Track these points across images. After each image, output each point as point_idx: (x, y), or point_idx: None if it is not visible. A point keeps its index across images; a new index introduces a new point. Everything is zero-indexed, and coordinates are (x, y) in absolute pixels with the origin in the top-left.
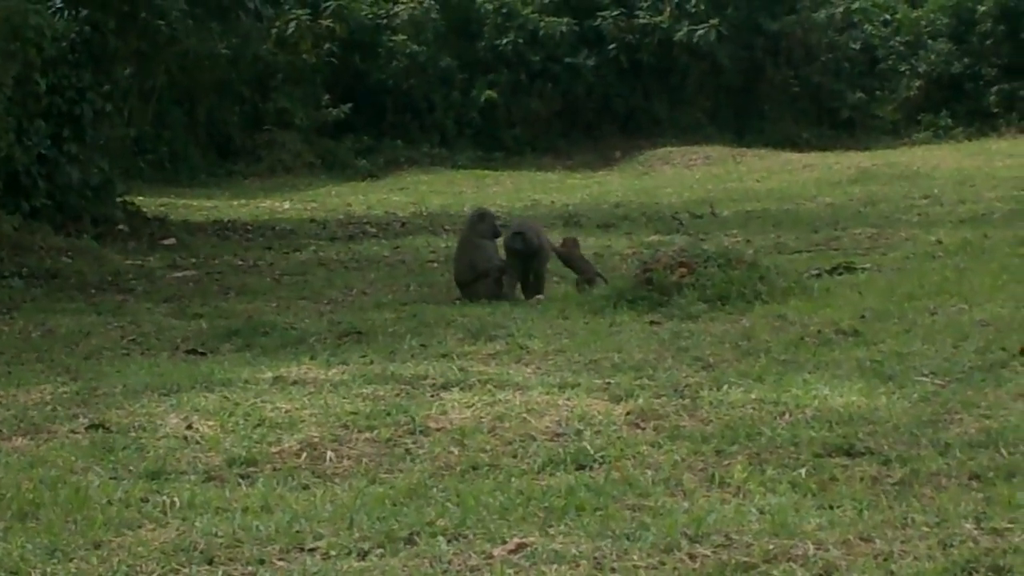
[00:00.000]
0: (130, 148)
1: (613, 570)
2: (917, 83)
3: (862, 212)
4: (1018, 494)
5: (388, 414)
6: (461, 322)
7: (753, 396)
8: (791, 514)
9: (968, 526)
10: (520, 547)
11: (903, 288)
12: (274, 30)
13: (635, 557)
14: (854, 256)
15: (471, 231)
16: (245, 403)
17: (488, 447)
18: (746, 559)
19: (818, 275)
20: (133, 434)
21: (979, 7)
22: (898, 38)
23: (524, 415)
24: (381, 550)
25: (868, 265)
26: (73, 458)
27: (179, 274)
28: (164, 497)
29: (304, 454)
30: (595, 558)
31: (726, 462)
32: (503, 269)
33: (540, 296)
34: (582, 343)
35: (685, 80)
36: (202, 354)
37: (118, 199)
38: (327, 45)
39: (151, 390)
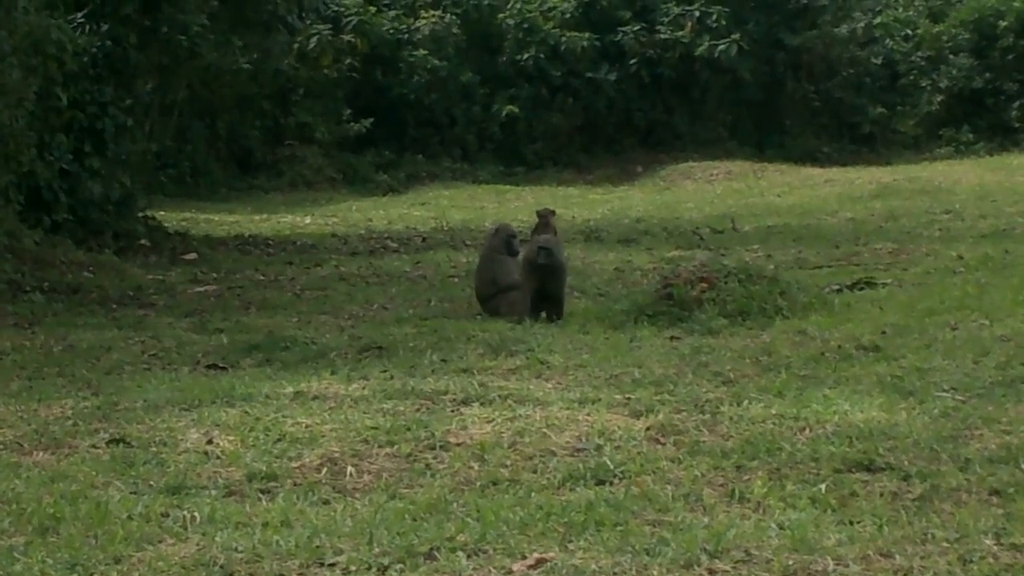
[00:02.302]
0: (151, 163)
1: None
2: (938, 98)
3: (883, 227)
4: None
5: (408, 429)
6: (481, 337)
7: (773, 411)
8: (811, 530)
9: (988, 542)
10: (540, 562)
11: (924, 303)
12: (296, 45)
13: (655, 572)
14: (875, 271)
15: (492, 246)
16: (266, 418)
17: (508, 462)
18: (766, 575)
19: (839, 290)
20: (154, 449)
21: (1000, 22)
22: (919, 53)
23: (544, 430)
24: (401, 565)
25: (889, 280)
26: (94, 473)
27: (200, 289)
28: (184, 512)
29: (324, 469)
30: (615, 573)
31: (746, 477)
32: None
33: (558, 320)
34: (602, 358)
35: (706, 95)
36: (223, 369)
37: (139, 214)
38: (348, 60)
39: (172, 405)
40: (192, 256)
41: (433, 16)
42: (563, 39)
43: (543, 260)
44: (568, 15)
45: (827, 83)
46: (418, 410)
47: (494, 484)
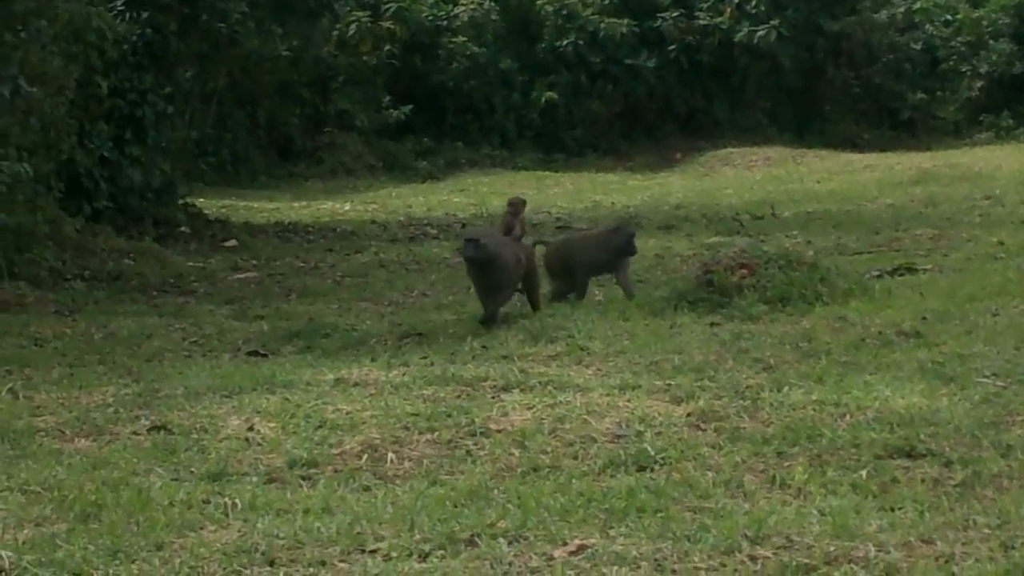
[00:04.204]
0: (192, 150)
1: (674, 572)
2: (979, 83)
3: (923, 213)
4: None
5: (449, 416)
6: (522, 324)
7: (814, 397)
8: (852, 516)
9: None
10: (581, 548)
11: (965, 289)
12: (335, 32)
13: (696, 559)
14: (915, 257)
15: (609, 242)
16: (306, 405)
17: (549, 449)
18: (807, 561)
19: (879, 276)
20: (195, 436)
21: None
22: (960, 38)
23: (585, 417)
24: (442, 551)
25: (929, 266)
26: (135, 460)
27: (240, 276)
28: (226, 498)
29: (365, 455)
30: (656, 560)
31: (787, 464)
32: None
33: (488, 322)
34: (642, 344)
35: (745, 81)
36: (264, 356)
37: (180, 201)
38: (387, 47)
39: (213, 392)
40: (232, 243)
41: (472, 3)
42: (602, 25)
43: (469, 253)
44: (607, 1)
45: (867, 69)
46: (458, 396)
47: (535, 470)
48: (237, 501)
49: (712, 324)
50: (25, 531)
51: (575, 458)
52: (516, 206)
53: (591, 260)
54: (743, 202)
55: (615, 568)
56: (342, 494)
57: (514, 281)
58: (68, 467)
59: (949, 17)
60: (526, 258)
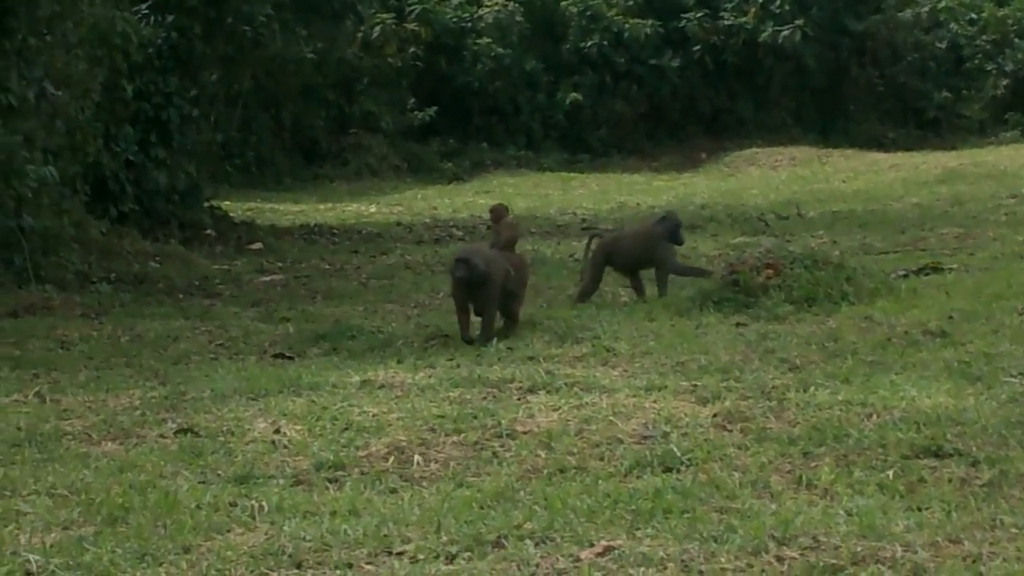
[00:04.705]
0: (217, 153)
1: (700, 572)
2: (1004, 82)
3: (949, 212)
4: None
5: (475, 417)
6: (547, 325)
7: (840, 398)
8: (879, 516)
9: None
10: (607, 550)
11: (991, 288)
12: (360, 34)
13: (722, 559)
14: (941, 256)
15: (655, 232)
16: (333, 407)
17: (575, 450)
18: (834, 561)
19: (905, 276)
20: (221, 438)
21: None
22: (984, 37)
23: (611, 418)
24: (469, 553)
25: (955, 265)
26: (162, 463)
27: (266, 278)
28: (252, 501)
29: (392, 458)
30: (682, 560)
31: (813, 464)
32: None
33: (484, 342)
34: (668, 345)
35: (770, 81)
36: (289, 358)
37: (205, 204)
38: (412, 48)
39: (239, 394)
40: (258, 246)
41: (497, 4)
42: (626, 26)
43: (460, 273)
44: (631, 2)
45: (892, 68)
46: (485, 398)
47: (561, 472)
48: (264, 504)
49: (738, 324)
50: (53, 534)
51: (601, 459)
52: (496, 212)
53: (640, 254)
54: (768, 202)
55: (642, 569)
56: (369, 496)
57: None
58: (95, 470)
59: (974, 16)
60: (515, 268)
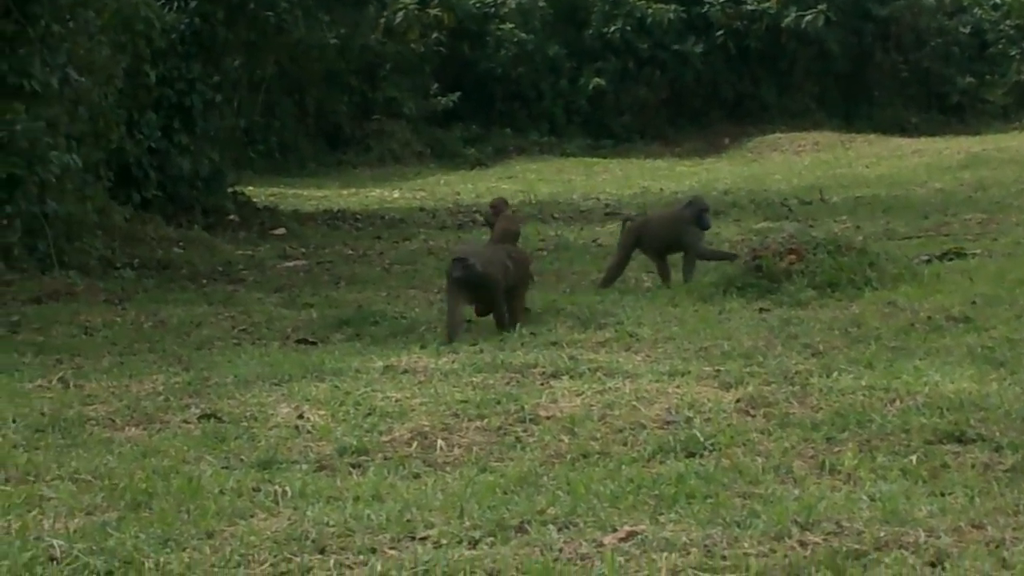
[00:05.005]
0: (240, 139)
1: (723, 557)
2: None
3: (972, 197)
4: None
5: (498, 403)
6: (570, 310)
7: (863, 383)
8: (902, 501)
9: None
10: (630, 535)
11: (1014, 273)
12: (382, 19)
13: (745, 544)
14: (964, 241)
15: (682, 216)
16: (356, 392)
17: (598, 435)
18: (857, 546)
19: (928, 261)
20: (245, 424)
21: None
22: (1008, 22)
23: (634, 403)
24: (492, 538)
25: (978, 251)
26: (185, 448)
27: (289, 264)
28: (276, 486)
29: (415, 443)
30: (705, 545)
31: (836, 449)
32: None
33: (510, 329)
34: (691, 330)
35: (793, 66)
36: (313, 344)
37: (228, 190)
38: (435, 34)
39: (262, 380)
40: (281, 231)
41: None
42: (649, 11)
43: (456, 273)
44: None
45: (915, 53)
46: (508, 383)
47: (584, 457)
48: (287, 489)
49: (761, 310)
50: (76, 520)
51: (624, 444)
52: (497, 207)
53: (668, 237)
54: (791, 187)
55: (665, 554)
56: (392, 481)
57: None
58: (118, 456)
59: (998, 1)
60: (515, 264)
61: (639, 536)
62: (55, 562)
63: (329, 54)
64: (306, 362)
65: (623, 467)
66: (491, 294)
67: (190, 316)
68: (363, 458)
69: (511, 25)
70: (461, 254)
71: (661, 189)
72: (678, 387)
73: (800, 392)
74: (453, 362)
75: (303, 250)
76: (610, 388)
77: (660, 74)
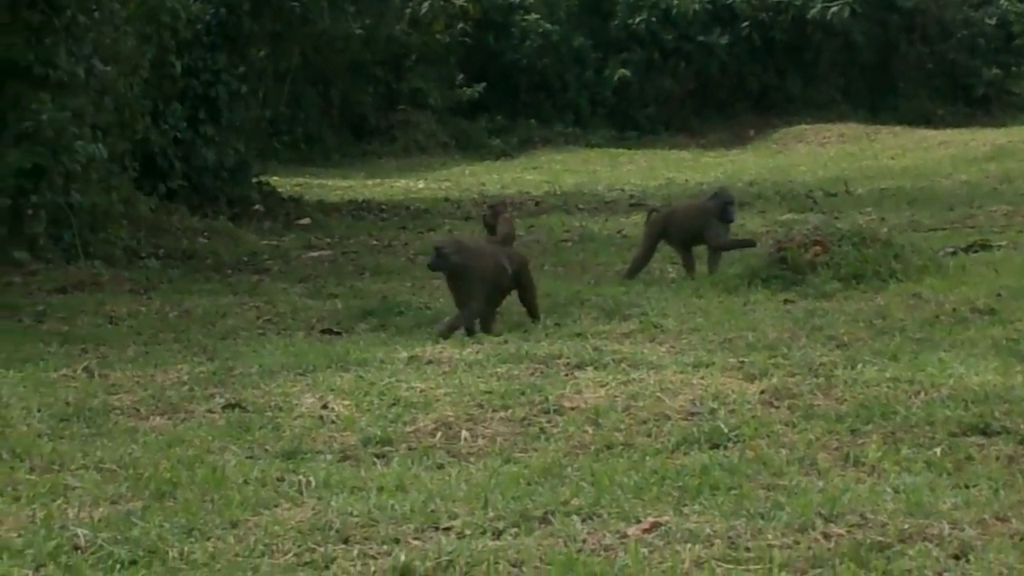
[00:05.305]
0: (265, 129)
1: (747, 549)
2: None
3: (998, 189)
4: None
5: (522, 393)
6: (595, 301)
7: (888, 375)
8: (926, 493)
9: None
10: (654, 526)
11: None
12: (408, 10)
13: (769, 536)
14: (990, 234)
15: (707, 207)
16: (380, 383)
17: (622, 426)
18: (881, 538)
19: (953, 253)
20: (269, 414)
21: None
22: None
23: (658, 394)
24: (516, 529)
25: (1004, 243)
26: (210, 438)
27: (314, 254)
28: (300, 476)
29: (439, 433)
30: (729, 537)
31: (861, 441)
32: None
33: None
34: (716, 322)
35: (819, 58)
36: (337, 334)
37: (253, 180)
38: (460, 25)
39: (287, 370)
40: (306, 222)
41: None
42: (674, 3)
43: (429, 262)
44: None
45: (941, 45)
46: (532, 374)
47: (608, 448)
48: (311, 479)
49: (786, 301)
50: (101, 509)
51: (649, 435)
52: (495, 208)
53: (692, 229)
54: (816, 179)
55: (688, 546)
56: (416, 472)
57: (494, 290)
58: (143, 445)
59: None
60: (514, 266)
61: (663, 527)
62: (79, 551)
63: (354, 45)
64: (331, 352)
65: (647, 458)
66: (465, 287)
67: (215, 306)
68: (387, 448)
69: (536, 16)
70: (440, 243)
71: (686, 180)
72: (702, 378)
73: (824, 384)
74: (477, 353)
75: (328, 240)
76: (634, 379)
77: (685, 65)
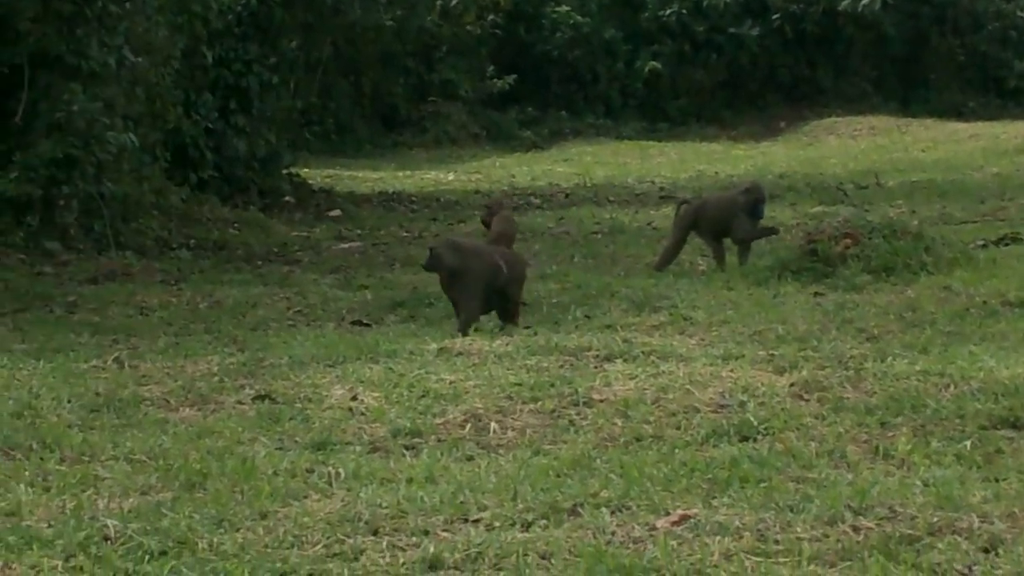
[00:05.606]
0: (296, 120)
1: (776, 542)
2: None
3: None
4: None
5: (552, 385)
6: (625, 293)
7: (918, 368)
8: (956, 487)
9: None
10: (683, 518)
11: None
12: (439, 1)
13: (799, 529)
14: (1021, 226)
15: (737, 200)
16: (410, 374)
17: (652, 419)
18: (910, 532)
19: (984, 246)
20: (299, 405)
21: None
22: None
23: (688, 386)
24: (545, 521)
25: None
26: (240, 429)
27: (345, 245)
28: (329, 468)
29: (468, 425)
30: (758, 530)
31: (890, 434)
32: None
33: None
34: (746, 314)
35: (850, 50)
36: (367, 325)
37: (284, 171)
38: (491, 16)
39: (317, 361)
40: (337, 213)
41: None
42: None
43: (424, 263)
44: None
45: (972, 37)
46: (562, 366)
47: (638, 440)
48: (341, 470)
49: (816, 294)
50: (131, 499)
51: (678, 428)
52: (491, 208)
53: (723, 220)
54: (847, 171)
55: (717, 538)
56: (445, 463)
57: (490, 291)
58: (173, 436)
59: None
60: (509, 266)
61: (692, 520)
62: (109, 541)
63: (385, 36)
64: (360, 344)
65: (676, 451)
66: (461, 289)
67: (245, 297)
68: (417, 440)
69: (567, 8)
70: (434, 244)
71: (716, 172)
72: (732, 371)
73: (854, 377)
74: (507, 345)
75: (358, 232)
76: (664, 371)
77: (716, 57)
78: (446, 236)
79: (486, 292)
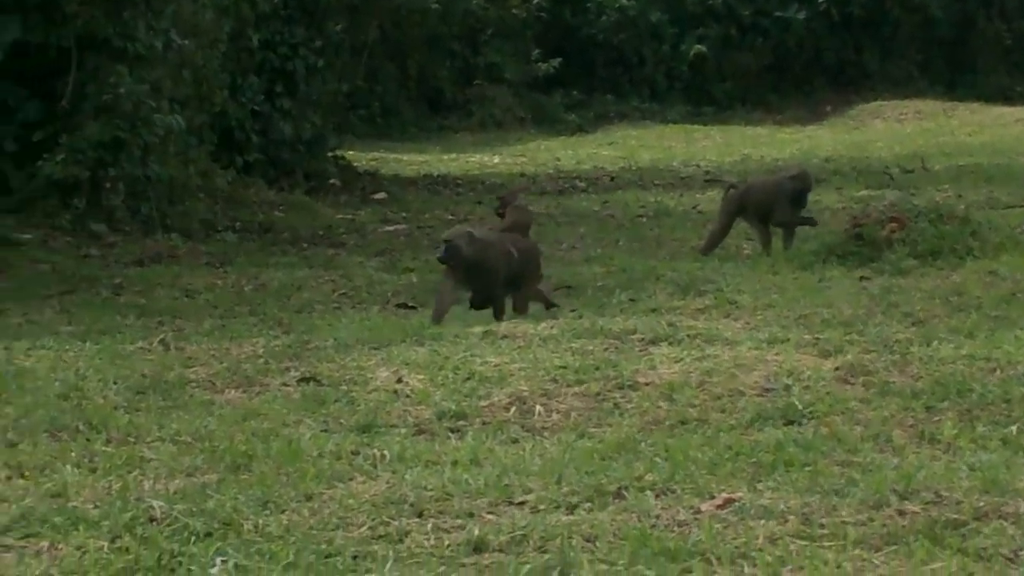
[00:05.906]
0: (342, 103)
1: (821, 526)
2: None
3: None
4: None
5: (597, 368)
6: (670, 277)
7: (964, 352)
8: (1002, 471)
9: None
10: (728, 502)
11: None
12: None
13: (844, 513)
14: None
15: (783, 186)
16: (455, 357)
17: (696, 402)
18: (956, 516)
19: None
20: (344, 387)
21: None
22: None
23: (733, 370)
24: (590, 504)
25: None
26: (285, 411)
27: (390, 228)
28: (374, 450)
29: (513, 408)
30: (803, 513)
31: (936, 418)
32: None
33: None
34: (791, 298)
35: (896, 33)
36: (412, 308)
37: (330, 154)
38: (537, 0)
39: (362, 344)
40: (382, 196)
41: None
42: None
43: (438, 255)
44: None
45: (1020, 21)
46: (607, 350)
47: (682, 424)
48: (386, 453)
49: (861, 278)
50: (176, 481)
51: (723, 411)
52: (504, 199)
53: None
54: (893, 155)
55: (762, 522)
56: (490, 446)
57: (506, 277)
58: (219, 418)
59: None
60: (521, 253)
61: (737, 503)
62: (155, 523)
63: (431, 19)
64: (406, 326)
65: (721, 434)
66: (485, 281)
67: (291, 280)
68: (461, 423)
69: None
70: (450, 235)
71: (762, 156)
72: (777, 355)
73: (900, 361)
74: (552, 328)
75: (404, 214)
76: (709, 355)
77: (762, 41)
78: (457, 226)
79: (503, 278)
